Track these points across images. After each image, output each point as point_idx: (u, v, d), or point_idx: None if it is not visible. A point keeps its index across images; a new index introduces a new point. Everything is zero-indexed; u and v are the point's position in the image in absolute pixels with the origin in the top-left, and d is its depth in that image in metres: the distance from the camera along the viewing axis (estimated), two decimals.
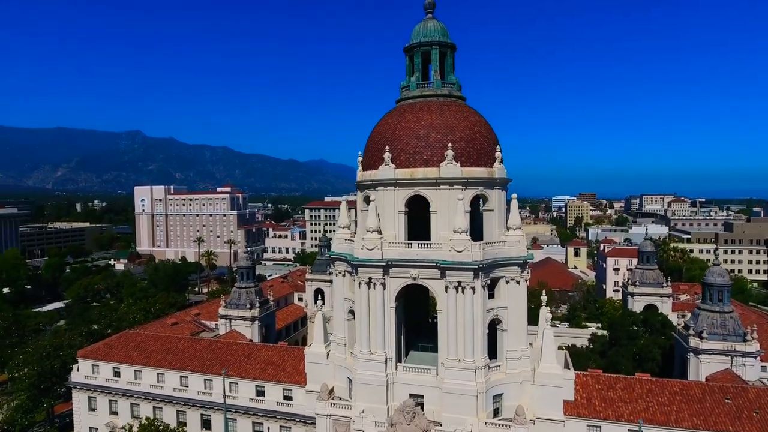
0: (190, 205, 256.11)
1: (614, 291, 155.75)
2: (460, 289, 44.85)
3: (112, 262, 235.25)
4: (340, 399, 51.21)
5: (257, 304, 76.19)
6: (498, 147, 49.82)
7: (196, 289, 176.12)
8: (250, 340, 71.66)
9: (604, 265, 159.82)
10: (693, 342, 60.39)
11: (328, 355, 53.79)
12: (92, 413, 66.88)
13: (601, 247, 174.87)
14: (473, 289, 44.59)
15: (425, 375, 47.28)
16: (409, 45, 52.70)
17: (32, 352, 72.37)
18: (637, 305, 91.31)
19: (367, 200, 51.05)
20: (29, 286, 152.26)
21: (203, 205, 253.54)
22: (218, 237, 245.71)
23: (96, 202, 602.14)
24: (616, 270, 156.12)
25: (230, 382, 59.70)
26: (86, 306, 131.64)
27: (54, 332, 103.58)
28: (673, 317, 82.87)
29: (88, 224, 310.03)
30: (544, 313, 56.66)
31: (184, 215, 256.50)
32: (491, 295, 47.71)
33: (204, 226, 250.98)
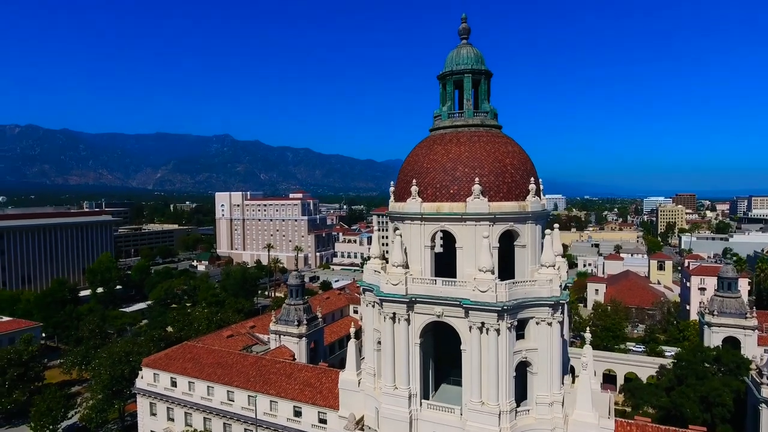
0: (265, 210, 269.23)
1: (698, 314, 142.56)
2: (484, 330, 43.27)
3: (194, 263, 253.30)
4: (369, 428, 51.32)
5: (305, 321, 78.39)
6: (532, 179, 47.40)
7: (266, 293, 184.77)
8: (293, 358, 73.98)
9: (688, 284, 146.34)
10: (766, 392, 53.68)
11: (359, 382, 54.14)
12: (153, 418, 72.54)
13: (686, 263, 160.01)
14: (498, 331, 42.81)
15: (450, 414, 46.11)
16: (441, 73, 51.66)
17: (107, 357, 79.62)
18: (714, 338, 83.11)
19: (398, 232, 50.71)
20: (120, 287, 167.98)
21: (276, 210, 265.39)
22: (290, 241, 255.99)
23: (187, 203, 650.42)
24: (702, 290, 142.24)
25: (271, 401, 62.16)
26: (165, 308, 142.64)
27: (133, 334, 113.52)
28: (760, 352, 74.48)
29: (176, 226, 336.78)
30: (587, 351, 53.32)
31: (259, 220, 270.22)
32: (521, 336, 45.54)
33: (277, 230, 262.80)
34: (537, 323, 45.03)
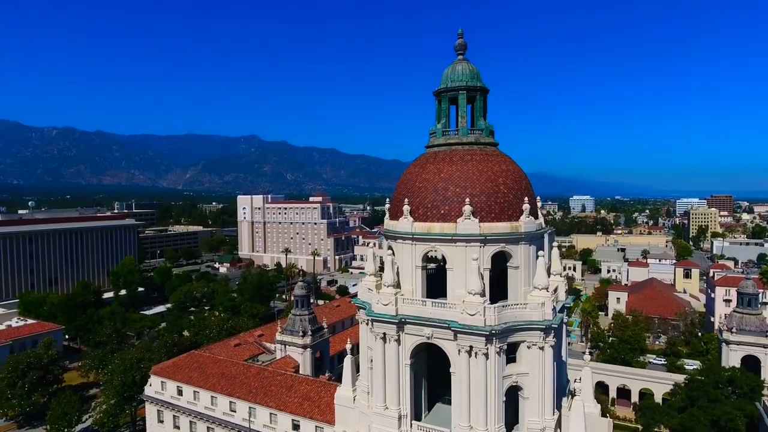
0: (285, 213, 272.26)
1: (717, 330, 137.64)
2: (472, 353, 42.68)
3: (216, 265, 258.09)
4: None
5: (309, 332, 78.86)
6: (526, 198, 46.51)
7: (284, 296, 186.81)
8: (295, 369, 74.47)
9: (713, 295, 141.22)
10: None
11: (354, 399, 54.11)
12: (160, 425, 74.10)
13: (711, 273, 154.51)
14: (486, 355, 42.15)
15: None
16: (437, 90, 51.22)
17: (119, 363, 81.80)
18: (733, 356, 79.98)
19: (391, 250, 50.51)
20: (142, 289, 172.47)
21: (296, 213, 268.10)
22: (310, 244, 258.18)
23: (213, 203, 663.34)
24: (728, 302, 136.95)
25: (270, 413, 62.75)
26: (184, 312, 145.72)
27: (150, 338, 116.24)
28: None
29: (201, 228, 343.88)
30: (586, 374, 52.16)
31: (279, 223, 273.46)
32: (512, 359, 44.72)
33: (297, 233, 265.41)
34: (528, 347, 44.15)
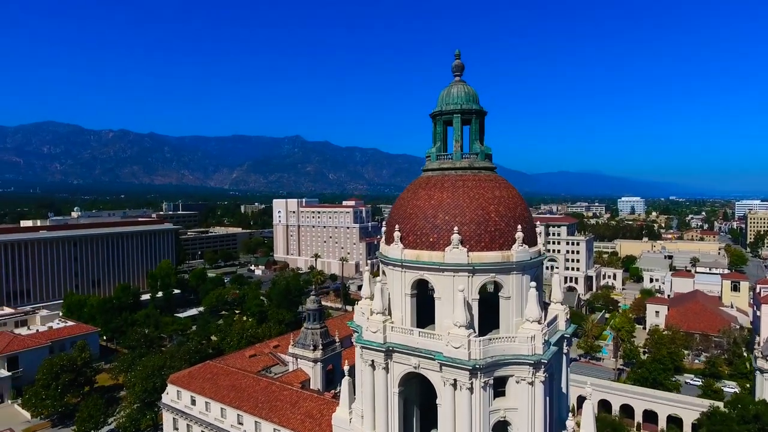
0: (319, 217, 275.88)
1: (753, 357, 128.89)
2: (457, 386, 41.73)
3: (252, 267, 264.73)
4: None
5: (320, 346, 79.48)
6: (520, 226, 44.99)
7: None
8: (302, 384, 75.19)
9: (758, 313, 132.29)
10: None
11: (350, 421, 54.06)
12: None
13: (757, 289, 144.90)
14: (470, 389, 41.12)
15: None
16: (432, 112, 50.50)
17: (141, 370, 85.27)
18: None
19: (385, 275, 50.19)
20: (178, 291, 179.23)
21: (329, 217, 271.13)
22: (342, 248, 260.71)
23: (256, 204, 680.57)
24: None
25: (274, 429, 63.71)
26: (215, 315, 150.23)
27: (178, 342, 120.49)
28: None
29: (240, 230, 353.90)
30: (586, 411, 50.17)
31: (313, 227, 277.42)
32: (501, 393, 43.39)
33: (330, 237, 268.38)
34: (517, 382, 42.70)
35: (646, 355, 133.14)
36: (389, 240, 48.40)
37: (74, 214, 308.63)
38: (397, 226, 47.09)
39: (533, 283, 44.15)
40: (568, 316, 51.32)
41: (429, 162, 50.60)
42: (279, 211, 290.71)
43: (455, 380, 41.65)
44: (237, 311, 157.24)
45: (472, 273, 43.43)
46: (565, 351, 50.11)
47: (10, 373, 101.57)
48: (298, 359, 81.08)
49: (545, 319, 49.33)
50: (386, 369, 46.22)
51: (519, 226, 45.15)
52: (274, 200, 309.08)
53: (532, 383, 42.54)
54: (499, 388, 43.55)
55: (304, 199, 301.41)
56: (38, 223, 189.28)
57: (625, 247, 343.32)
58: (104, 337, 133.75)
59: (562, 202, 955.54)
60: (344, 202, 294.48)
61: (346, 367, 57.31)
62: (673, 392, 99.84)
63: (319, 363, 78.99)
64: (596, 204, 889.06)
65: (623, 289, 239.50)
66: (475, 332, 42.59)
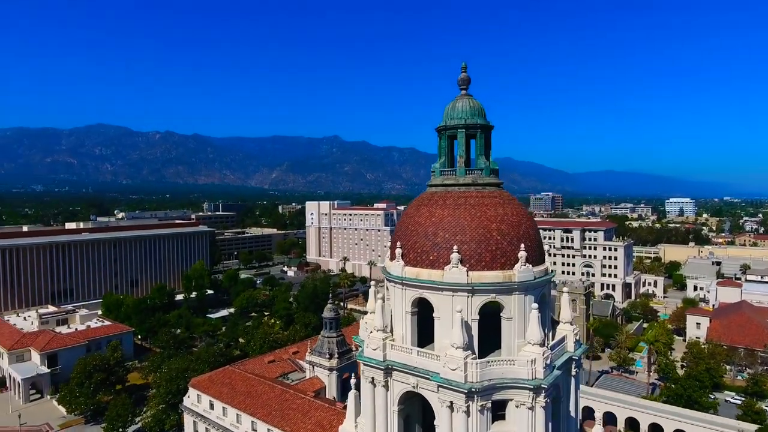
0: (350, 219, 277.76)
1: None
2: (453, 408, 40.97)
3: (285, 268, 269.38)
4: None
5: (336, 355, 79.92)
6: (523, 245, 43.68)
7: (342, 303, 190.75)
8: (319, 392, 75.73)
9: None
10: None
11: None
12: None
13: None
14: (467, 412, 40.27)
15: None
16: (437, 127, 49.80)
17: (166, 372, 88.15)
18: None
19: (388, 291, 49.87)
20: (211, 291, 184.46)
21: (361, 220, 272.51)
22: (373, 251, 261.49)
23: (293, 204, 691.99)
24: None
25: None
26: (243, 318, 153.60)
27: (207, 344, 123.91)
28: None
29: (275, 231, 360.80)
30: None
31: (345, 228, 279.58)
32: (500, 416, 42.33)
33: (361, 239, 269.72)
34: (517, 406, 41.51)
35: (684, 369, 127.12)
36: (392, 256, 48.02)
37: (119, 215, 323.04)
38: (398, 243, 46.72)
39: (535, 305, 42.77)
40: (577, 337, 49.51)
41: (434, 177, 49.92)
42: (311, 213, 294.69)
43: (452, 402, 40.93)
44: (266, 313, 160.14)
45: (472, 293, 42.52)
46: (573, 373, 48.38)
47: (49, 370, 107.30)
48: (315, 367, 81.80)
49: (553, 339, 48.03)
50: (386, 387, 45.92)
51: (522, 245, 43.85)
52: (307, 202, 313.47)
53: (532, 408, 41.26)
54: (499, 411, 42.54)
55: (336, 202, 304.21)
56: (81, 225, 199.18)
57: (670, 252, 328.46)
58: (139, 337, 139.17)
59: (606, 203, 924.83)
60: (375, 205, 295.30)
61: (353, 380, 57.42)
62: (709, 411, 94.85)
63: (334, 371, 79.42)
64: (642, 205, 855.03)
65: (665, 297, 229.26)
66: (473, 353, 41.73)
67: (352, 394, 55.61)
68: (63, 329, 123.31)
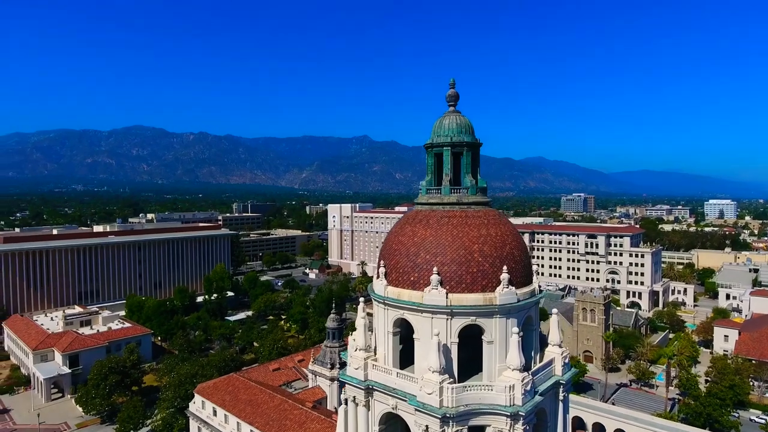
0: (371, 222, 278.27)
1: None
2: None
3: (307, 270, 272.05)
4: None
5: (338, 365, 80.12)
6: (505, 267, 42.71)
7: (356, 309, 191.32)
8: (319, 402, 76.03)
9: None
10: None
11: None
12: None
13: None
14: None
15: None
16: (425, 144, 49.28)
17: (175, 377, 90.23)
18: None
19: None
20: (232, 294, 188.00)
21: (382, 222, 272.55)
22: None
23: (321, 205, 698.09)
24: None
25: None
26: (260, 320, 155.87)
27: (221, 348, 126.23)
28: None
29: (299, 232, 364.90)
30: None
31: (366, 231, 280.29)
32: None
33: (382, 242, 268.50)
34: None
35: (708, 384, 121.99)
36: (377, 275, 47.82)
37: (148, 216, 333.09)
38: (382, 262, 46.48)
39: (516, 329, 41.76)
40: (566, 360, 48.09)
41: (420, 195, 49.38)
42: (333, 216, 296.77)
43: (427, 426, 40.37)
44: (283, 316, 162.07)
45: (451, 315, 41.83)
46: (561, 397, 47.04)
47: (70, 371, 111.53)
48: (317, 376, 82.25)
49: (540, 361, 46.91)
50: (366, 406, 45.74)
51: (505, 267, 42.87)
52: (329, 205, 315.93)
53: None
54: None
55: (357, 204, 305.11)
56: (108, 228, 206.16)
57: (704, 258, 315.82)
58: (159, 339, 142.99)
59: (641, 204, 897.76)
60: (396, 208, 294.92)
61: (342, 396, 57.35)
62: None
63: (335, 382, 79.53)
64: (680, 206, 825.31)
65: (695, 306, 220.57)
66: (451, 378, 41.07)
67: (341, 409, 55.66)
68: (86, 330, 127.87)
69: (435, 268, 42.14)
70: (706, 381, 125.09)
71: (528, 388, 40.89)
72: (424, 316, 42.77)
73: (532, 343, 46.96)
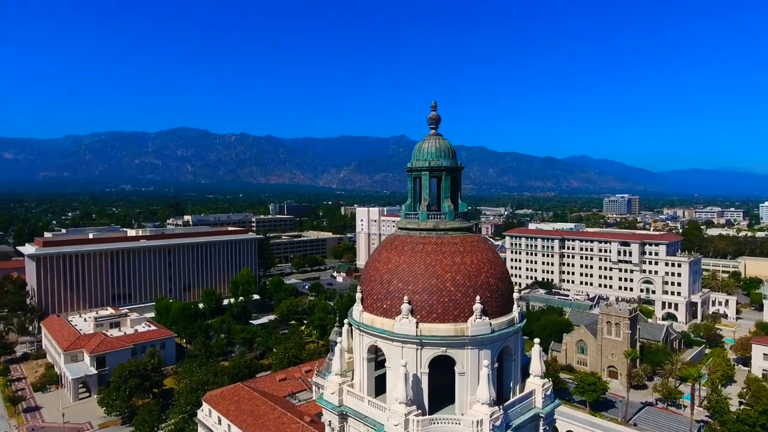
0: (395, 227, 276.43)
1: None
2: None
3: (335, 274, 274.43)
4: None
5: None
6: (479, 297, 41.83)
7: None
8: (314, 417, 76.44)
9: None
10: None
11: None
12: None
13: None
14: None
15: None
16: (406, 167, 48.89)
17: (187, 384, 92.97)
18: None
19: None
20: (257, 297, 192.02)
21: None
22: None
23: (355, 206, 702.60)
24: None
25: None
26: (282, 325, 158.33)
27: (239, 353, 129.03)
28: None
29: (330, 234, 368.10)
30: None
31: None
32: None
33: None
34: None
35: (742, 407, 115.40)
36: (356, 299, 47.78)
37: (185, 217, 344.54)
38: (359, 287, 46.47)
39: (486, 362, 40.79)
40: (548, 392, 46.57)
41: (400, 219, 48.99)
42: (361, 219, 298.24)
43: None
44: (305, 321, 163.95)
45: (421, 345, 41.37)
46: (541, 431, 45.59)
47: (96, 372, 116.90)
48: (320, 389, 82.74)
49: (520, 392, 45.80)
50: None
51: (478, 297, 41.99)
52: (357, 208, 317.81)
53: None
54: None
55: (385, 208, 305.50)
56: (140, 232, 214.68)
57: (752, 267, 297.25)
58: (184, 341, 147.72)
59: (691, 205, 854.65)
60: None
61: (323, 418, 57.56)
62: None
63: None
64: (733, 208, 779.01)
65: (737, 318, 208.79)
66: (420, 408, 40.63)
67: (328, 429, 56.00)
68: (114, 332, 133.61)
69: (406, 297, 41.75)
70: (740, 403, 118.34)
71: (498, 423, 39.93)
72: (395, 345, 42.47)
73: (512, 373, 45.83)
